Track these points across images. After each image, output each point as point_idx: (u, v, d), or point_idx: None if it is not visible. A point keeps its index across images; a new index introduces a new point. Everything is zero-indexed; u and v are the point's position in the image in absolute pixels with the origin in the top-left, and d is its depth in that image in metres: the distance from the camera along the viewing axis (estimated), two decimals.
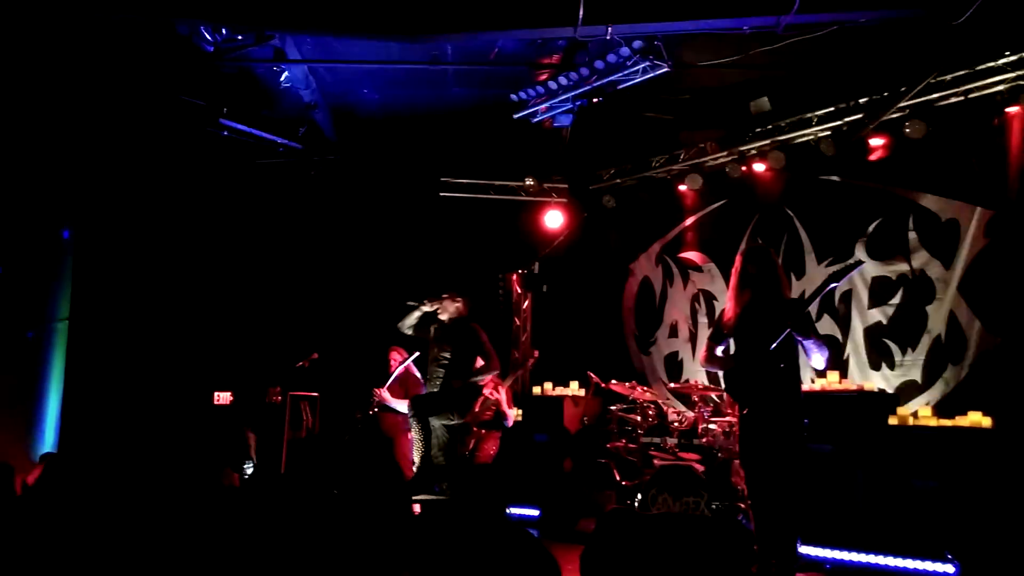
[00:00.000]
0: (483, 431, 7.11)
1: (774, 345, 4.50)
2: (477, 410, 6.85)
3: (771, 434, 4.59)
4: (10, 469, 4.14)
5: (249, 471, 8.00)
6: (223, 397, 8.80)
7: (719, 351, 4.92)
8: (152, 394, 9.04)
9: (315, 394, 8.70)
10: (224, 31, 6.63)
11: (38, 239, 9.18)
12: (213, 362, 9.23)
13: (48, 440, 8.88)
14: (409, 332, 6.61)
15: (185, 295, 9.47)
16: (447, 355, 6.36)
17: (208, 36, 6.66)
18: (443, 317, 6.48)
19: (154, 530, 3.49)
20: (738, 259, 4.88)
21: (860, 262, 4.77)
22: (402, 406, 6.96)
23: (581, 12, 5.74)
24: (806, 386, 6.15)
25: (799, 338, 4.57)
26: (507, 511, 7.98)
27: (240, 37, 6.75)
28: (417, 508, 6.00)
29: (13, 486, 4.17)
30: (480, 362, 6.39)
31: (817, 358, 4.64)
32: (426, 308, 6.48)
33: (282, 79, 7.41)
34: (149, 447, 8.55)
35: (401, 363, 7.52)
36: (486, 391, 6.97)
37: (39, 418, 8.97)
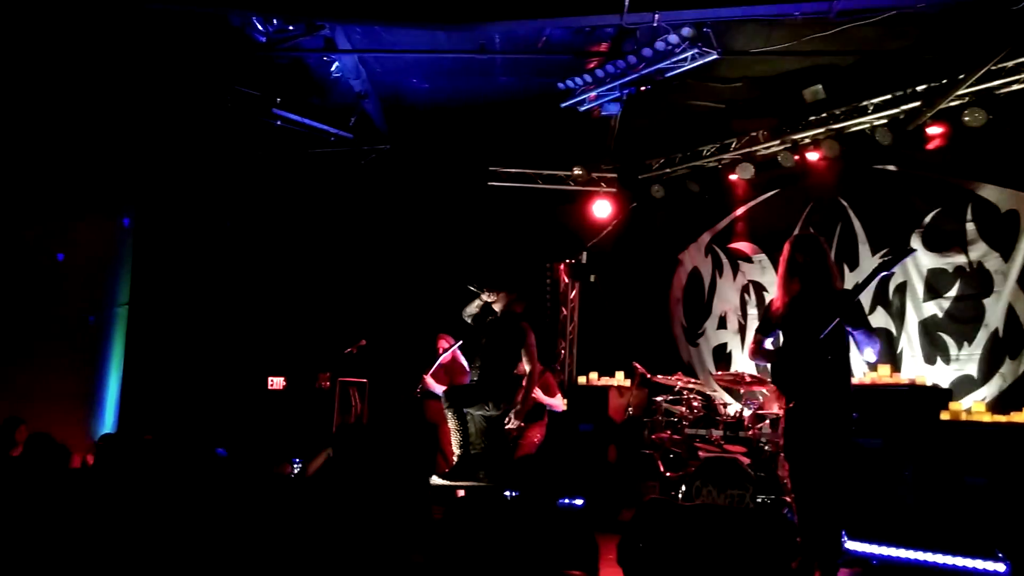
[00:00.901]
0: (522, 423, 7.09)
1: (823, 336, 4.41)
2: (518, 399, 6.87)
3: (818, 428, 4.51)
4: (67, 451, 4.28)
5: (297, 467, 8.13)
6: (276, 382, 8.97)
7: (767, 343, 4.83)
8: (208, 378, 9.27)
9: (364, 380, 8.82)
10: (275, 22, 6.76)
11: (99, 226, 9.47)
12: (267, 347, 9.43)
13: (108, 421, 9.17)
14: (469, 320, 6.63)
15: (240, 282, 9.67)
16: (491, 347, 6.36)
17: (260, 27, 6.79)
18: (496, 308, 6.48)
19: (204, 511, 3.58)
20: (786, 247, 4.77)
21: (912, 250, 4.62)
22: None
23: None
24: (856, 379, 6.03)
25: (849, 329, 4.48)
26: (557, 501, 7.97)
27: (291, 28, 6.87)
28: (461, 493, 6.06)
29: (68, 468, 4.31)
30: (526, 365, 6.33)
31: (868, 351, 4.53)
32: (484, 297, 6.48)
33: (332, 69, 7.52)
34: (205, 430, 8.77)
35: (447, 350, 7.56)
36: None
37: (100, 400, 9.26)
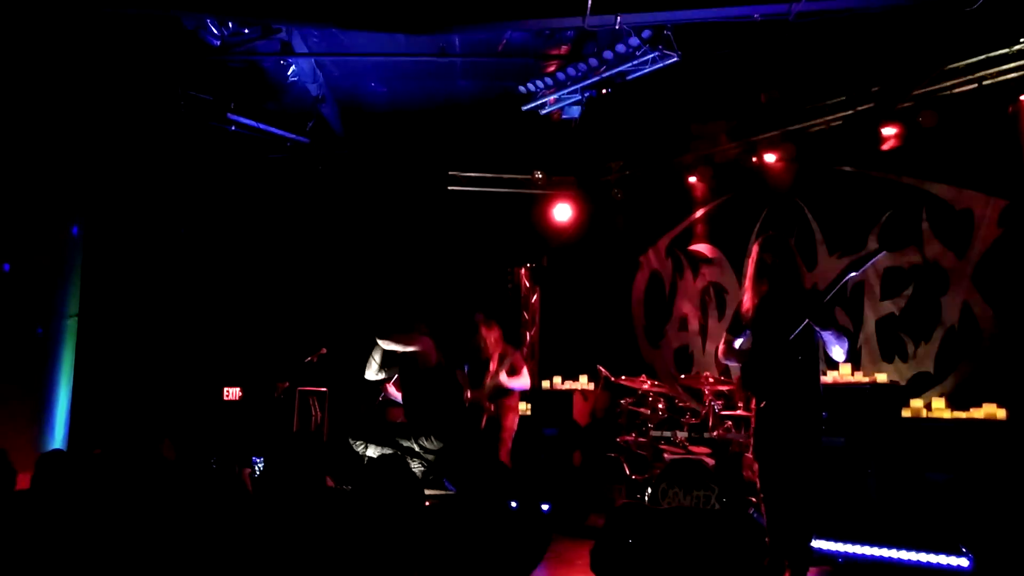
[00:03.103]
0: (492, 406, 7.01)
1: (793, 336, 4.44)
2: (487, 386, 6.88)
3: (788, 428, 4.53)
4: (3, 452, 4.14)
5: (260, 468, 7.98)
6: (233, 392, 8.79)
7: (737, 344, 4.86)
8: (162, 390, 9.04)
9: (324, 389, 8.68)
10: (231, 25, 6.61)
11: (47, 235, 9.17)
12: (222, 357, 9.23)
13: (58, 436, 8.88)
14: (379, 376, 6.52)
15: (194, 290, 9.46)
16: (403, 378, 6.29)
17: (215, 30, 6.63)
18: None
19: (163, 526, 3.46)
20: (754, 249, 4.81)
21: (880, 251, 4.70)
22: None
23: (589, 1, 5.68)
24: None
25: (818, 330, 4.51)
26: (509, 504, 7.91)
27: (247, 31, 6.72)
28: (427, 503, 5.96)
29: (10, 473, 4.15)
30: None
31: (837, 350, 4.57)
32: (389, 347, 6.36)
33: (289, 73, 7.38)
34: (159, 443, 8.54)
35: None
36: None
37: (49, 414, 8.97)
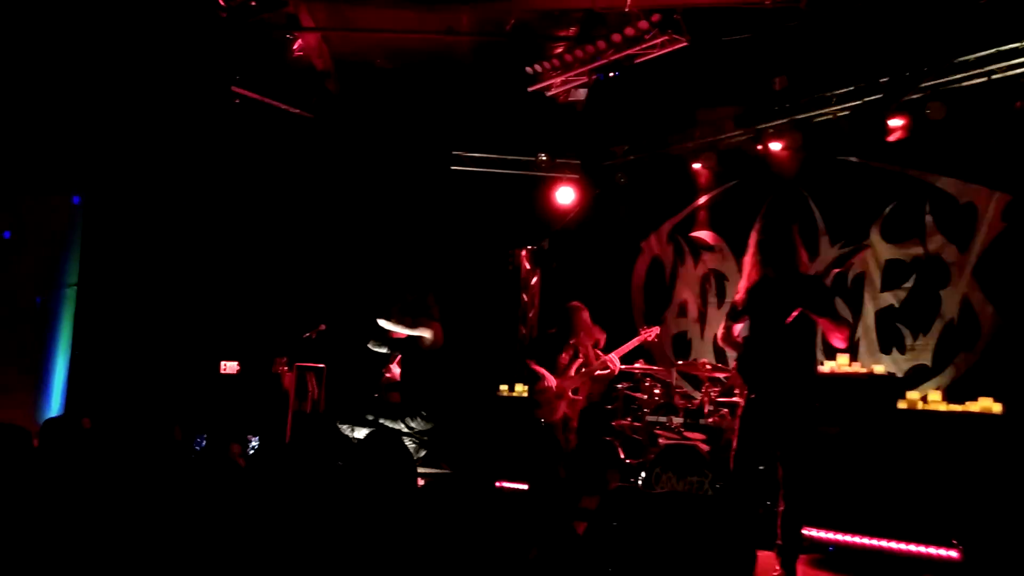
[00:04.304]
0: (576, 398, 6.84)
1: (788, 321, 4.42)
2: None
3: (779, 417, 4.51)
4: (27, 434, 4.11)
5: (254, 445, 7.97)
6: (230, 367, 8.78)
7: (737, 329, 4.84)
8: (159, 362, 9.04)
9: (322, 366, 8.68)
10: None
11: (48, 205, 9.17)
12: (220, 331, 9.22)
13: (55, 405, 8.91)
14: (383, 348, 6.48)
15: (194, 263, 9.45)
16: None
17: (222, 2, 6.60)
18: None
19: (158, 500, 3.46)
20: (754, 234, 4.80)
21: (864, 246, 4.71)
22: None
23: None
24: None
25: (814, 317, 4.48)
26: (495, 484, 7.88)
27: (254, 3, 6.69)
28: (421, 481, 5.96)
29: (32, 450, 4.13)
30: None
31: (836, 338, 4.54)
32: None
33: (295, 46, 7.35)
34: (155, 415, 8.56)
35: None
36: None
37: (46, 383, 9.00)
